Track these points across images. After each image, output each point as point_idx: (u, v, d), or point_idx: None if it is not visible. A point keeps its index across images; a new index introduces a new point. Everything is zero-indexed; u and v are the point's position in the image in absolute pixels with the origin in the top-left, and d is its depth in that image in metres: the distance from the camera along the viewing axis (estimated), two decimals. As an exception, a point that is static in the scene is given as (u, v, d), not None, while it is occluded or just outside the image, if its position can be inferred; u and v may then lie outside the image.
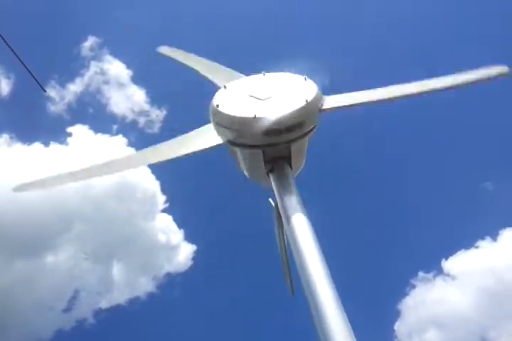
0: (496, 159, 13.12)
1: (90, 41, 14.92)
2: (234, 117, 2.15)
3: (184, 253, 13.74)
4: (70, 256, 12.96)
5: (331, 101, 2.38)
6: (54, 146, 13.48)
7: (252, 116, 2.10)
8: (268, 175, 2.31)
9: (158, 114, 14.79)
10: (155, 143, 2.54)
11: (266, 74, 2.59)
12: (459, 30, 14.07)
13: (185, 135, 2.48)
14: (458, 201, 13.13)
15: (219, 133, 2.26)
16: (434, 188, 13.27)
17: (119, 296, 12.82)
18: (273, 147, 2.18)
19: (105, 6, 15.79)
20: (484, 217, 12.71)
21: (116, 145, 13.80)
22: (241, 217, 12.64)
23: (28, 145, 13.39)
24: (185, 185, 13.76)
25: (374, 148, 13.76)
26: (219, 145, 2.25)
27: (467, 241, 12.75)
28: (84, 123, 13.96)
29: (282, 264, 3.51)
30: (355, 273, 11.53)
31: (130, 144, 13.96)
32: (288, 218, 1.99)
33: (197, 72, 3.24)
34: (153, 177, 13.94)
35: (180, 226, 13.87)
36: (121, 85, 15.12)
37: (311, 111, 2.20)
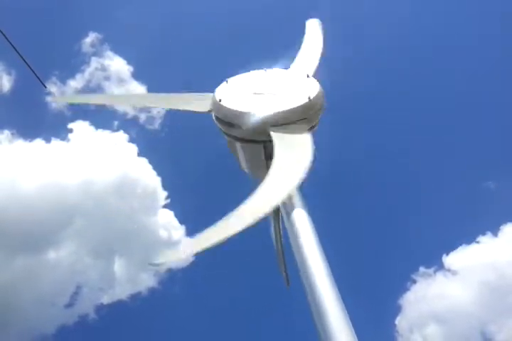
0: (498, 155, 13.12)
1: (91, 37, 14.89)
2: (236, 112, 2.15)
3: (185, 248, 13.73)
4: (72, 251, 13.02)
5: None
6: (55, 142, 13.50)
7: (255, 111, 2.10)
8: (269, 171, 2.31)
9: (159, 110, 14.79)
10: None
11: (268, 70, 2.58)
12: (458, 30, 14.03)
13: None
14: (459, 196, 13.14)
15: (221, 127, 2.26)
16: (435, 183, 13.29)
17: (121, 292, 12.89)
18: None
19: (106, 2, 15.79)
20: (485, 213, 12.73)
21: (118, 142, 13.83)
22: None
23: (30, 141, 13.42)
24: (187, 181, 13.80)
25: (374, 144, 13.76)
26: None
27: (468, 237, 12.77)
28: (85, 119, 13.96)
29: (277, 256, 3.52)
30: (356, 268, 11.56)
31: (131, 140, 13.97)
32: (288, 213, 1.99)
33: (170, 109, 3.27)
34: (154, 173, 13.97)
35: (181, 222, 13.91)
36: (122, 81, 15.12)
37: (313, 108, 2.20)
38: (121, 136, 14.02)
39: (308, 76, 2.43)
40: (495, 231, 12.59)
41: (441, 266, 12.72)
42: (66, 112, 14.51)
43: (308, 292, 1.69)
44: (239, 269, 12.79)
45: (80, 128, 13.77)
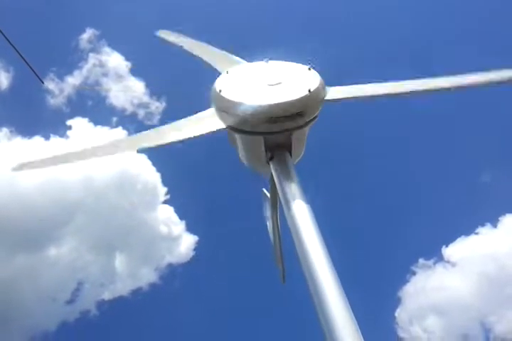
0: (496, 147, 13.15)
1: (88, 33, 14.87)
2: (236, 103, 2.15)
3: (185, 244, 13.86)
4: (73, 248, 13.06)
5: (335, 92, 2.39)
6: (54, 139, 13.50)
7: (255, 102, 2.10)
8: (268, 163, 2.33)
9: (157, 106, 14.79)
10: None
11: (269, 61, 2.58)
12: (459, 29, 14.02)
13: (186, 119, 2.45)
14: (458, 188, 13.19)
15: (221, 118, 2.26)
16: (434, 175, 13.32)
17: (122, 287, 12.96)
18: (274, 134, 2.18)
19: (102, -2, 15.70)
20: (484, 204, 12.77)
21: (116, 138, 13.78)
22: (242, 208, 12.70)
23: (29, 138, 13.42)
24: (186, 177, 13.81)
25: (374, 137, 13.78)
26: (220, 130, 2.25)
27: (467, 228, 12.83)
28: (83, 115, 13.98)
29: (274, 251, 3.52)
30: (356, 260, 11.62)
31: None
32: (288, 205, 2.00)
33: (197, 57, 3.19)
34: (154, 169, 13.99)
35: (181, 217, 13.97)
36: (120, 77, 15.09)
37: (313, 101, 2.21)
38: (120, 133, 14.05)
39: (309, 68, 2.44)
40: (494, 223, 12.67)
41: (440, 258, 12.81)
42: (65, 109, 14.53)
43: (310, 284, 1.71)
44: (238, 264, 12.86)
45: (79, 124, 13.80)
